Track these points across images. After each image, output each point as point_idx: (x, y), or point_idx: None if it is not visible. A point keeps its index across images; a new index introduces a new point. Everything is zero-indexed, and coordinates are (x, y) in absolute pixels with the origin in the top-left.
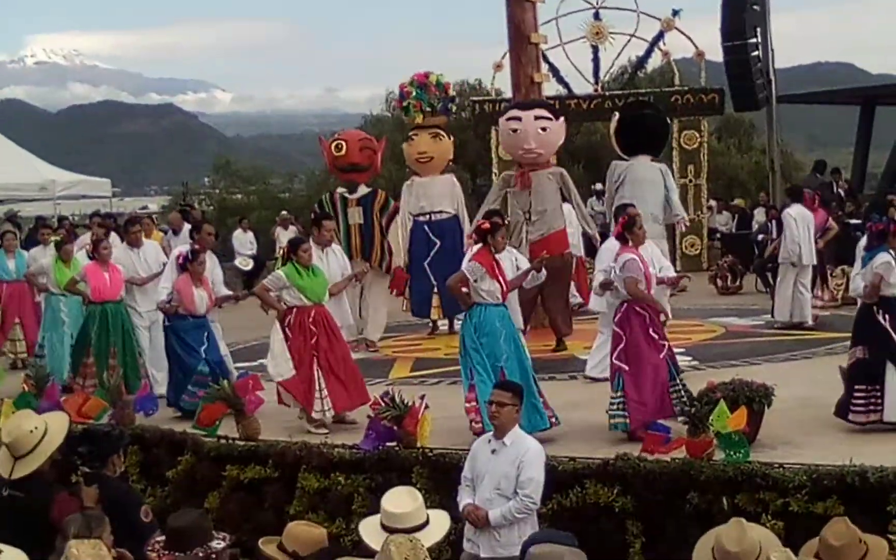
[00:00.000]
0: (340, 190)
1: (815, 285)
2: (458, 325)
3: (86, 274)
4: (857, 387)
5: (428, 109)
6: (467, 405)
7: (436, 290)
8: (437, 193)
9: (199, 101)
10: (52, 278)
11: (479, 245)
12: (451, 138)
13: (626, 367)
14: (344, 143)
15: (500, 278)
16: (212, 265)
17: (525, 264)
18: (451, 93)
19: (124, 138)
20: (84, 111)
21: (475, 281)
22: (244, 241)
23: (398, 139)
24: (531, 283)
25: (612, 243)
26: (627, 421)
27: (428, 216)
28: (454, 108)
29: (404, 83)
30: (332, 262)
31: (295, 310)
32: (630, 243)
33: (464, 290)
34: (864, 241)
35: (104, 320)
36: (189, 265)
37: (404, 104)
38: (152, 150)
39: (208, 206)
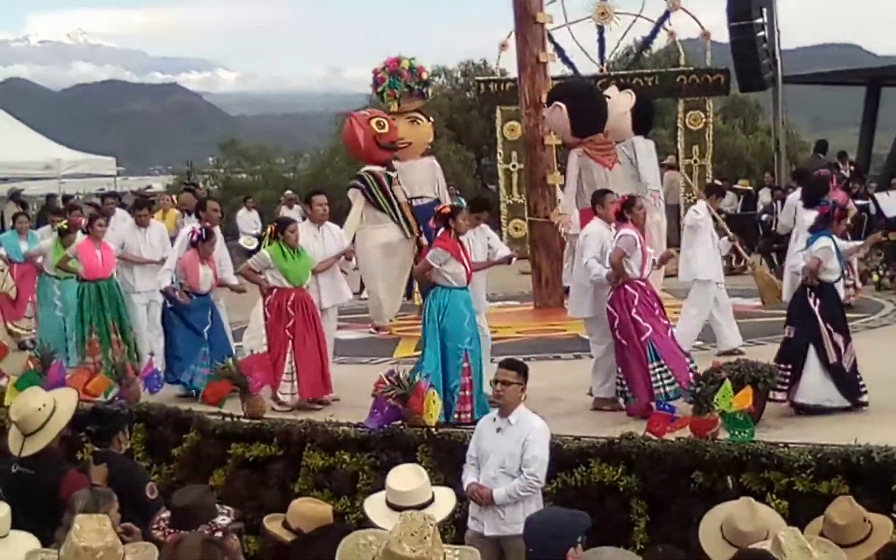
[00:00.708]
0: (375, 169)
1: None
2: None
3: (78, 251)
4: (780, 366)
5: (405, 91)
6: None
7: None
8: (417, 179)
9: (204, 80)
10: (50, 260)
11: (442, 229)
12: (430, 120)
13: (625, 342)
14: (386, 121)
15: (465, 261)
16: (219, 245)
17: (497, 244)
18: (425, 76)
19: (128, 117)
20: (88, 90)
21: (440, 265)
22: (248, 221)
23: None
24: None
25: (596, 226)
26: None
27: (409, 202)
28: (429, 92)
29: (377, 69)
30: (327, 239)
31: (275, 290)
32: (630, 222)
33: (430, 276)
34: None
35: (98, 298)
36: (200, 243)
37: (379, 90)
38: (156, 129)
39: (213, 185)
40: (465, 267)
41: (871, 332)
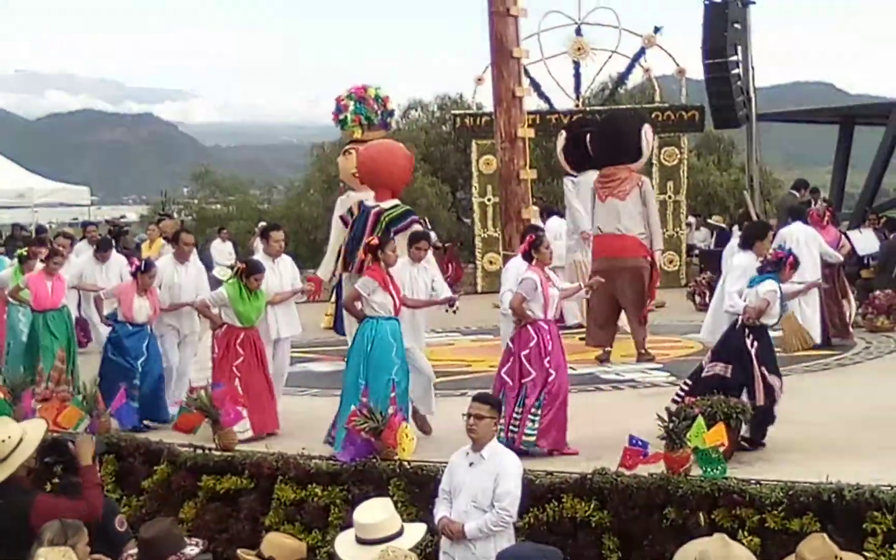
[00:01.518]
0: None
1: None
2: None
3: (28, 282)
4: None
5: (366, 123)
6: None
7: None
8: None
9: (178, 110)
10: (10, 288)
11: (372, 260)
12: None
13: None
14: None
15: (392, 292)
16: (196, 273)
17: (441, 286)
18: (390, 106)
19: (103, 147)
20: (62, 119)
21: (368, 295)
22: (223, 251)
23: None
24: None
25: (516, 262)
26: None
27: None
28: (392, 122)
29: (341, 96)
30: (283, 272)
31: (225, 327)
32: (535, 262)
33: (357, 304)
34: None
35: (47, 327)
36: (139, 275)
37: (341, 117)
38: (131, 158)
39: (187, 215)
40: (393, 297)
41: (843, 369)
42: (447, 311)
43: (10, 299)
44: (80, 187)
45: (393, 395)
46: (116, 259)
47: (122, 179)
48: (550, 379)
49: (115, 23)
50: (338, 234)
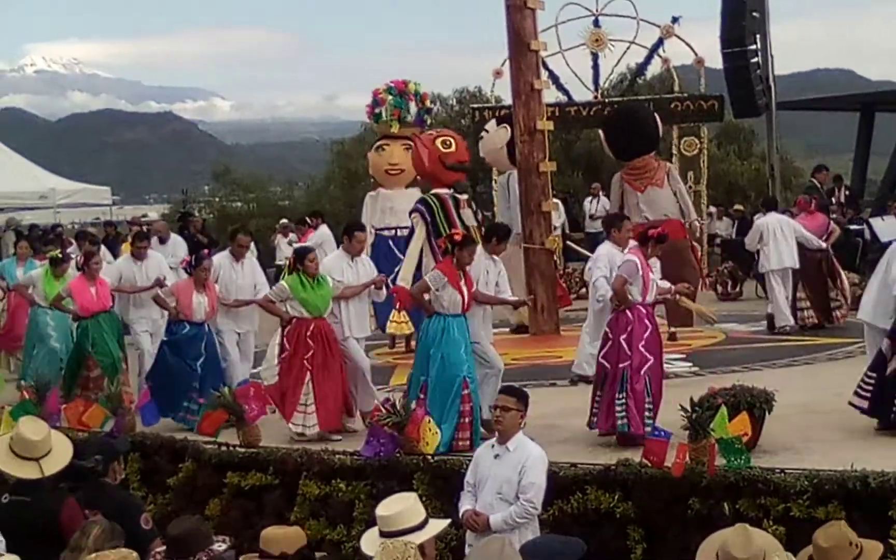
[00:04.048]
0: (442, 191)
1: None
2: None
3: (71, 290)
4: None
5: (407, 115)
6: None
7: (398, 305)
8: (402, 209)
9: (199, 109)
10: (41, 291)
11: (447, 254)
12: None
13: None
14: (453, 140)
15: (462, 290)
16: (252, 271)
17: (505, 285)
18: (429, 104)
19: (124, 146)
20: (84, 119)
21: (437, 290)
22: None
23: None
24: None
25: (609, 248)
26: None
27: (394, 231)
28: (429, 120)
29: (379, 89)
30: (361, 271)
31: (294, 320)
32: (648, 250)
33: (426, 297)
34: None
35: (99, 330)
36: (193, 270)
37: (377, 111)
38: (152, 158)
39: (208, 213)
40: (462, 296)
41: (866, 357)
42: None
43: (53, 307)
44: (102, 187)
45: (466, 392)
46: (154, 257)
47: (143, 179)
48: (648, 365)
49: (134, 22)
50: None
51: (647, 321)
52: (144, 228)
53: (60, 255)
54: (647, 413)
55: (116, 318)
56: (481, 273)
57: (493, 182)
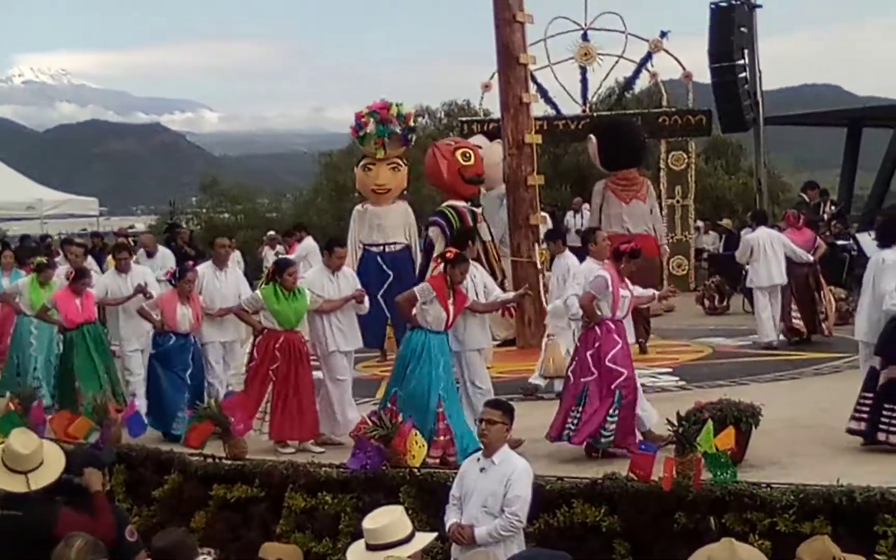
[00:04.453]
0: (459, 204)
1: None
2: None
3: (56, 301)
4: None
5: (388, 142)
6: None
7: (390, 321)
8: (391, 225)
9: (187, 120)
10: (27, 299)
11: (439, 270)
12: (406, 165)
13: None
14: (472, 153)
15: (449, 309)
16: (236, 279)
17: (490, 281)
18: (412, 123)
19: (111, 157)
20: (72, 130)
21: (423, 303)
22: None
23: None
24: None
25: (589, 264)
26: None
27: (381, 247)
28: (413, 138)
29: (361, 112)
30: (342, 285)
31: (266, 331)
32: (605, 263)
33: (413, 311)
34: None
35: (84, 343)
36: (177, 282)
37: (360, 133)
38: (139, 169)
39: (196, 225)
40: (448, 314)
41: (853, 372)
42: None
43: (38, 318)
44: (89, 198)
45: (440, 410)
46: (138, 270)
47: (130, 190)
48: (621, 379)
49: (122, 34)
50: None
51: (615, 336)
52: (130, 240)
53: (45, 261)
54: (607, 427)
55: (101, 330)
56: (469, 282)
57: (480, 195)
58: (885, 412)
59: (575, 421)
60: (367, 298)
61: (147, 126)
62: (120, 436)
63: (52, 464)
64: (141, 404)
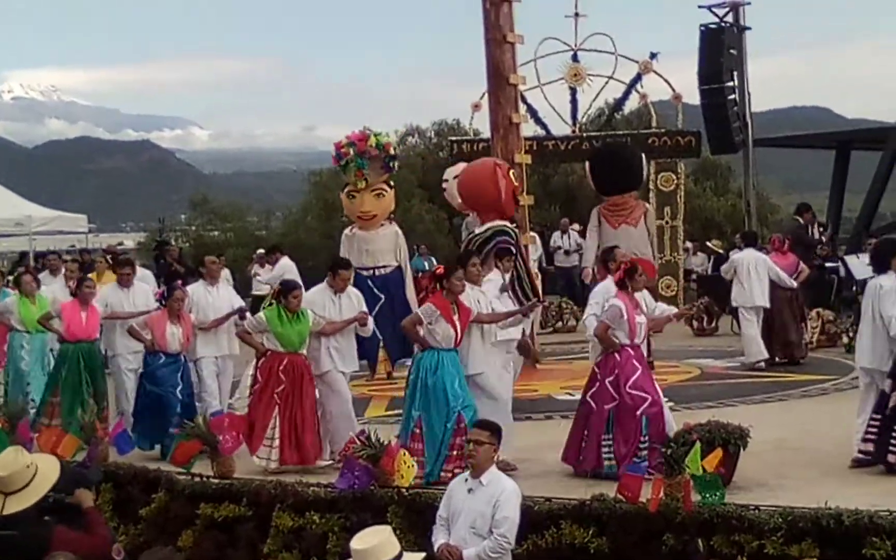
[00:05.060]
0: (508, 224)
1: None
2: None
3: (62, 311)
4: None
5: (369, 173)
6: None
7: (382, 343)
8: (379, 248)
9: (177, 137)
10: (17, 316)
11: (436, 289)
12: (392, 188)
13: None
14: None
15: (455, 323)
16: (228, 294)
17: (496, 304)
18: (392, 151)
19: (101, 174)
20: (61, 147)
21: (429, 323)
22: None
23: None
24: None
25: (607, 284)
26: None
27: (371, 271)
28: (395, 165)
29: (341, 143)
30: (345, 306)
31: (269, 353)
32: (629, 289)
33: (420, 331)
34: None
35: (76, 360)
36: (167, 302)
37: (341, 163)
38: (129, 186)
39: (185, 242)
40: (455, 330)
41: (841, 394)
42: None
43: (40, 326)
44: (78, 215)
45: (462, 425)
46: (140, 286)
47: (120, 207)
48: (645, 405)
49: (112, 50)
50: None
51: (635, 362)
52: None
53: (20, 273)
54: (640, 453)
55: (97, 351)
56: (472, 302)
57: (471, 214)
58: (894, 435)
59: (609, 449)
60: (370, 321)
61: (137, 143)
62: (107, 454)
63: (36, 486)
64: (128, 421)
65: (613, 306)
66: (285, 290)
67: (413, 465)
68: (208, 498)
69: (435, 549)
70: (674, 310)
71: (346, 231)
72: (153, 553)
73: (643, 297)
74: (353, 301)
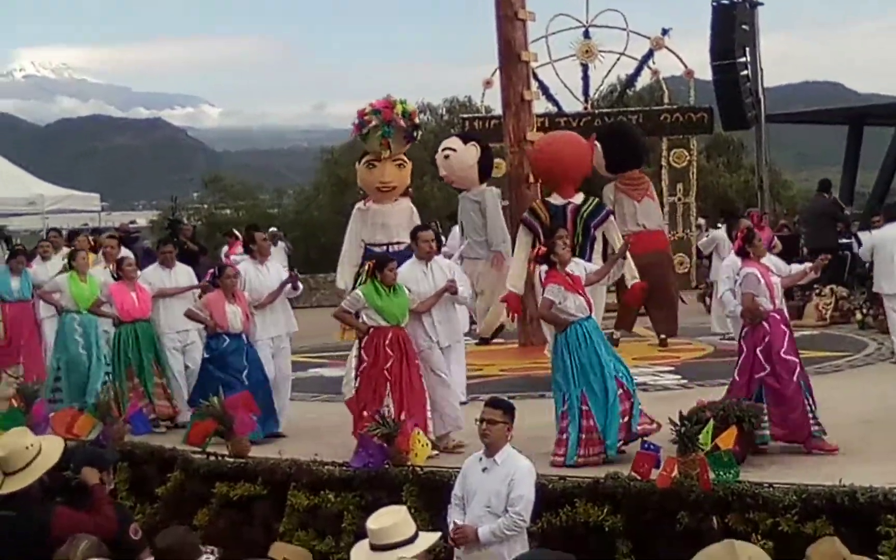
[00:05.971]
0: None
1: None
2: None
3: (111, 294)
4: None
5: (393, 143)
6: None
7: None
8: (395, 223)
9: (188, 115)
10: (69, 295)
11: (547, 268)
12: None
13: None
14: None
15: (581, 290)
16: (277, 272)
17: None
18: (416, 120)
19: (112, 152)
20: (72, 125)
21: (559, 303)
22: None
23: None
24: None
25: (732, 258)
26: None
27: (385, 247)
28: (418, 136)
29: (364, 110)
30: (437, 275)
31: (371, 330)
32: (751, 255)
33: (558, 314)
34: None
35: (136, 340)
36: (219, 280)
37: (363, 131)
38: (140, 164)
39: (197, 220)
40: (585, 297)
41: (854, 371)
42: None
43: (92, 314)
44: (91, 194)
45: (622, 391)
46: (182, 267)
47: (131, 185)
48: (798, 370)
49: (123, 29)
50: (523, 243)
51: (783, 326)
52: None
53: (73, 251)
54: (811, 417)
55: (152, 328)
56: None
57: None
58: None
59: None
60: (463, 288)
61: (148, 121)
62: (123, 433)
63: (37, 466)
64: (181, 403)
65: (749, 274)
66: (381, 264)
67: (427, 444)
68: (224, 477)
69: (450, 527)
70: (808, 265)
71: (360, 204)
72: (169, 532)
73: (769, 260)
74: (444, 271)
